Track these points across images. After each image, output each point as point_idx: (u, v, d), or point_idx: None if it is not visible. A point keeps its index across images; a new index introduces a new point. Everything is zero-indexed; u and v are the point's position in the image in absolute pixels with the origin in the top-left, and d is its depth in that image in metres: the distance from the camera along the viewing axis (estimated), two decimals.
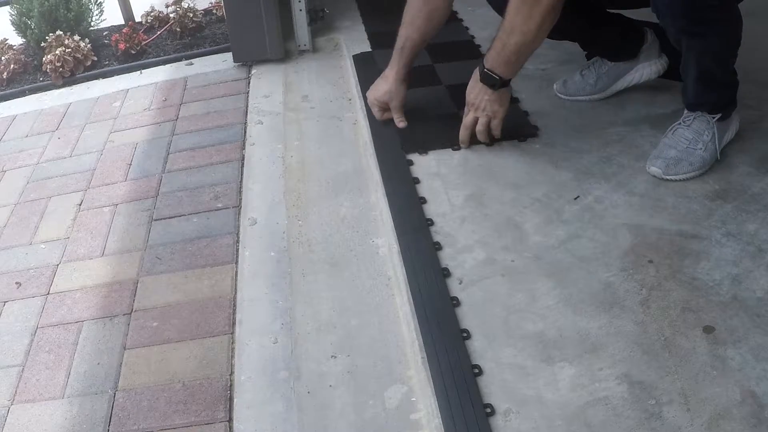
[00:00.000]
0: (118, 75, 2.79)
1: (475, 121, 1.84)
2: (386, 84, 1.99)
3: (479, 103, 1.81)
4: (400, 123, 2.01)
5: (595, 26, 1.94)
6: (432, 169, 1.86)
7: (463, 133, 1.88)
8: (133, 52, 2.88)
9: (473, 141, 1.89)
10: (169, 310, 1.64)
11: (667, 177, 1.70)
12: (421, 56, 2.40)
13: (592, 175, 1.77)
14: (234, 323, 1.57)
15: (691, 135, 1.72)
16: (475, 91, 1.81)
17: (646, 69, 1.98)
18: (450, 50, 2.40)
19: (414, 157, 1.91)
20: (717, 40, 1.61)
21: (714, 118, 1.72)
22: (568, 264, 1.53)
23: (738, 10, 1.62)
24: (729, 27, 1.62)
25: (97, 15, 3.13)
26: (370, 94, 2.06)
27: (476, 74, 1.80)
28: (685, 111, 1.76)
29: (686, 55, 1.67)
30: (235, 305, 1.62)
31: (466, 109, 1.86)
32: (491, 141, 1.89)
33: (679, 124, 1.75)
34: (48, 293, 1.75)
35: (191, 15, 3.01)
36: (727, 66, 1.70)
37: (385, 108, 2.02)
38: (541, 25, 1.63)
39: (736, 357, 1.29)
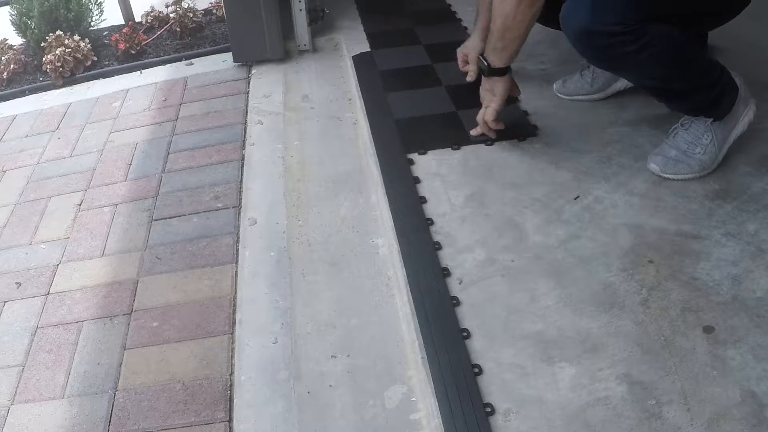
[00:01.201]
0: (118, 75, 2.78)
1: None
2: (470, 40, 2.17)
3: (480, 92, 1.88)
4: (469, 76, 2.14)
5: None
6: (432, 168, 1.86)
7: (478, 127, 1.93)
8: (133, 52, 2.88)
9: (482, 137, 1.92)
10: (169, 310, 1.64)
11: (664, 175, 1.70)
12: (421, 56, 2.41)
13: (592, 175, 1.76)
14: (234, 323, 1.57)
15: (690, 138, 1.71)
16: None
17: None
18: (450, 50, 2.39)
19: (414, 156, 1.91)
20: (645, 67, 1.56)
21: (708, 120, 1.70)
22: (568, 264, 1.53)
23: (662, 29, 1.51)
24: (653, 50, 1.52)
25: (97, 15, 3.13)
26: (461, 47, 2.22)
27: None
28: None
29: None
30: (235, 305, 1.62)
31: None
32: (491, 137, 1.90)
33: (678, 126, 1.75)
34: (48, 293, 1.75)
35: (191, 15, 3.01)
36: (681, 77, 1.61)
37: (466, 60, 2.17)
38: (517, 6, 1.63)
39: (736, 357, 1.29)
